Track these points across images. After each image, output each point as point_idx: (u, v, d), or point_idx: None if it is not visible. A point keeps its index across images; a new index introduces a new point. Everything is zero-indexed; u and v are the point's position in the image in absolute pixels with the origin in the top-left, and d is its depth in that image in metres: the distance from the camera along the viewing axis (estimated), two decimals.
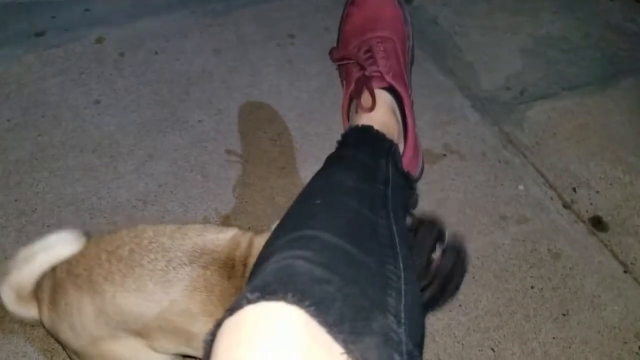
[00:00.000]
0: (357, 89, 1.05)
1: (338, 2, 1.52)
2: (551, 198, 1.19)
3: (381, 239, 0.68)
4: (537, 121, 1.35)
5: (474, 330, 0.99)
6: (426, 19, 1.64)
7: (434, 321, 1.00)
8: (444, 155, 1.27)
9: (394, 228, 0.72)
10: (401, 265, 0.65)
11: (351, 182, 0.78)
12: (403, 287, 0.61)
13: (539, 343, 0.97)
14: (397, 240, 0.70)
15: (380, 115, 1.01)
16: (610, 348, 0.98)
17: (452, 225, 1.13)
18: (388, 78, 1.06)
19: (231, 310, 0.47)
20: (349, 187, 0.77)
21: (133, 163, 1.23)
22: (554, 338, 0.98)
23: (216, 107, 1.35)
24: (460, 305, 1.01)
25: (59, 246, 0.75)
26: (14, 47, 1.47)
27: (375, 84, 1.03)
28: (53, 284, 0.74)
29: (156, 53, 1.48)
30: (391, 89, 1.06)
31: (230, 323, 0.46)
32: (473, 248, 1.10)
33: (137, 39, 1.52)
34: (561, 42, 1.58)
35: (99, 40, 1.51)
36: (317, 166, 0.87)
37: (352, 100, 1.09)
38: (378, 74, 1.05)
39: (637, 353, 0.98)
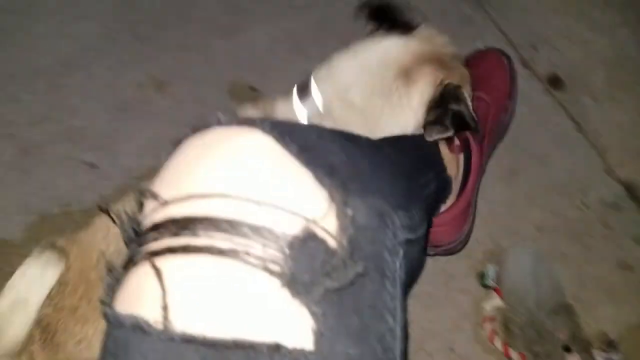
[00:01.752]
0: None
1: None
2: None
3: None
4: None
5: None
6: None
7: None
8: None
9: None
10: None
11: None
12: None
13: (485, 201, 0.99)
14: None
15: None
16: (554, 204, 1.01)
17: None
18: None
19: (195, 130, 0.40)
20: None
21: (54, 24, 1.14)
22: (500, 195, 1.00)
23: None
24: None
25: (47, 271, 0.61)
26: None
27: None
28: (41, 328, 0.60)
29: None
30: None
31: (191, 139, 0.40)
32: None
33: None
34: None
35: None
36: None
37: None
38: None
39: (579, 208, 1.01)
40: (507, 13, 1.21)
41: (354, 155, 0.48)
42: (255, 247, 0.34)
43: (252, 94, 1.09)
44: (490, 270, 0.93)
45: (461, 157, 0.95)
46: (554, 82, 1.14)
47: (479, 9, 1.21)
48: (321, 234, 0.36)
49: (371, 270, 0.39)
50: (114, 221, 0.59)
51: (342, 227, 0.37)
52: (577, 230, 0.98)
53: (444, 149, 0.87)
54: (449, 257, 0.94)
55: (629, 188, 1.03)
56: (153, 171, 0.39)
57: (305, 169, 0.38)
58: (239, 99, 1.07)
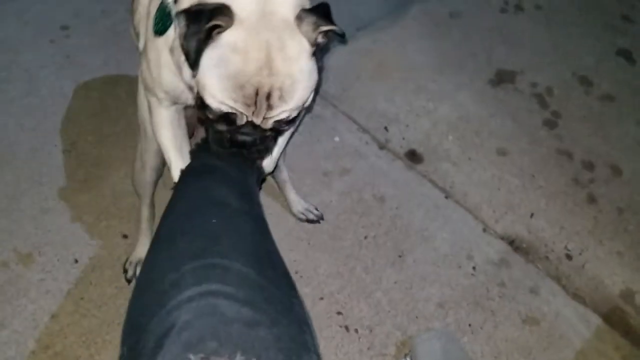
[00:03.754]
0: None
1: None
2: (366, 142, 1.19)
3: (279, 267, 0.66)
4: (339, 67, 1.34)
5: (319, 299, 0.97)
6: None
7: None
8: None
9: (280, 255, 0.70)
10: (300, 295, 0.64)
11: (235, 201, 0.72)
12: (308, 320, 0.60)
13: (383, 292, 0.97)
14: (287, 270, 0.67)
15: None
16: (447, 277, 1.01)
17: (279, 195, 1.08)
18: None
19: None
20: (237, 208, 0.71)
21: None
22: (395, 282, 0.99)
23: None
24: (302, 277, 0.98)
25: None
26: None
27: None
28: None
29: None
30: None
31: None
32: None
33: None
34: None
35: None
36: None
37: None
38: None
39: (472, 274, 1.02)
40: (354, 103, 1.26)
41: (260, 305, 0.54)
42: None
43: None
44: None
45: None
46: (412, 156, 1.18)
47: (327, 105, 1.25)
48: None
49: None
50: None
51: None
52: (475, 297, 0.98)
53: None
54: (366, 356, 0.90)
55: (510, 242, 1.06)
56: None
57: None
58: None
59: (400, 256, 1.03)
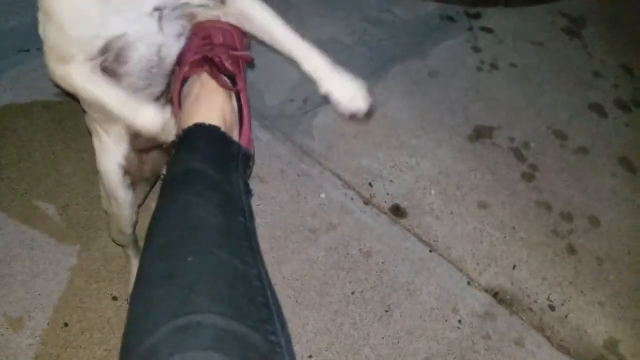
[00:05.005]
0: (196, 70, 0.97)
1: None
2: (352, 198, 1.22)
3: (258, 298, 0.65)
4: (324, 127, 1.38)
5: (308, 357, 0.98)
6: None
7: None
8: None
9: (262, 273, 0.70)
10: (278, 327, 0.64)
11: (212, 218, 0.72)
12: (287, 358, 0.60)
13: (371, 348, 0.98)
14: (268, 292, 0.67)
15: (221, 104, 0.94)
16: (434, 331, 1.02)
17: (267, 252, 1.10)
18: (228, 65, 0.99)
19: None
20: (213, 227, 0.70)
21: None
22: (382, 338, 1.00)
23: None
24: (290, 335, 0.99)
25: None
26: None
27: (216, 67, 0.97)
28: None
29: None
30: (230, 78, 1.00)
31: None
32: (291, 271, 1.09)
33: None
34: (332, 44, 1.63)
35: None
36: None
37: (186, 81, 1.01)
38: (218, 59, 0.98)
39: (458, 328, 1.04)
40: (339, 160, 1.30)
41: None
42: None
43: None
44: None
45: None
46: (397, 211, 1.21)
47: (314, 163, 1.29)
48: None
49: None
50: None
51: None
52: (462, 351, 1.00)
53: (210, 109, 0.91)
54: None
55: (495, 294, 1.08)
56: None
57: None
58: None
59: (387, 311, 1.05)
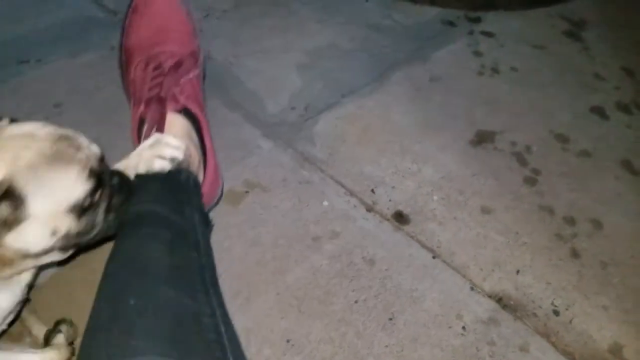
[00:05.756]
0: (150, 113, 0.97)
1: (106, 58, 1.44)
2: (354, 206, 1.23)
3: (209, 335, 0.65)
4: (325, 133, 1.39)
5: None
6: None
7: None
8: (247, 192, 1.25)
9: (215, 309, 0.70)
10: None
11: (162, 256, 0.72)
12: None
13: (374, 357, 0.98)
14: (222, 328, 0.67)
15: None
16: (438, 338, 1.02)
17: (269, 261, 1.10)
18: (182, 99, 0.99)
19: None
20: (163, 267, 0.71)
21: None
22: (386, 346, 1.00)
23: None
24: (293, 345, 0.99)
25: None
26: None
27: (169, 106, 0.97)
28: None
29: None
30: (186, 112, 1.00)
31: None
32: (294, 279, 1.09)
33: None
34: (331, 50, 1.64)
35: None
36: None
37: (143, 121, 1.01)
38: (171, 95, 0.98)
39: (462, 334, 1.03)
40: (341, 167, 1.30)
41: None
42: None
43: None
44: None
45: (191, 128, 0.97)
46: (399, 218, 1.21)
47: (316, 170, 1.29)
48: None
49: None
50: None
51: None
52: (466, 357, 1.00)
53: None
54: None
55: (498, 300, 1.08)
56: None
57: None
58: None
59: (390, 319, 1.05)
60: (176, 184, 0.89)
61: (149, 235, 0.77)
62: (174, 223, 0.80)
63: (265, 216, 1.21)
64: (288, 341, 0.98)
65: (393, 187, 1.28)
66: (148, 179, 0.88)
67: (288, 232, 1.18)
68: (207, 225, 0.96)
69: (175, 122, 0.98)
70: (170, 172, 0.89)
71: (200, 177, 1.02)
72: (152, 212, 0.81)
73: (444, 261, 1.15)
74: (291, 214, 1.22)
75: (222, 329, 0.69)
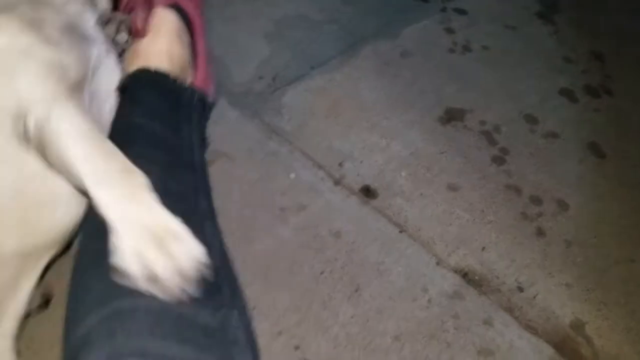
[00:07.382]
0: (131, 7, 0.90)
1: None
2: (322, 179, 1.20)
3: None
4: (294, 105, 1.35)
5: (277, 333, 0.95)
6: None
7: None
8: (213, 161, 1.21)
9: (209, 238, 0.66)
10: (228, 299, 0.61)
11: (157, 183, 0.65)
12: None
13: (340, 326, 0.97)
14: (217, 261, 0.63)
15: (166, 44, 0.88)
16: (403, 310, 1.02)
17: (234, 230, 1.07)
18: None
19: None
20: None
21: None
22: (352, 317, 0.99)
23: None
24: (259, 312, 0.97)
25: None
26: None
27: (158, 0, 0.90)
28: None
29: None
30: (179, 9, 0.94)
31: None
32: (260, 249, 1.06)
33: None
34: (300, 20, 1.60)
35: None
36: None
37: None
38: None
39: (427, 307, 1.03)
40: (309, 140, 1.27)
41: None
42: None
43: None
44: None
45: (182, 26, 0.93)
46: (367, 192, 1.19)
47: (284, 142, 1.26)
48: None
49: None
50: None
51: None
52: (431, 330, 0.99)
53: (152, 53, 0.86)
54: None
55: (463, 275, 1.08)
56: None
57: None
58: None
59: (356, 290, 1.03)
60: (176, 98, 0.83)
61: (140, 155, 0.69)
62: (169, 143, 0.74)
63: (231, 186, 1.18)
64: (254, 308, 0.96)
65: (361, 162, 1.26)
66: (144, 87, 0.81)
67: (254, 203, 1.15)
68: (205, 146, 0.91)
69: (164, 17, 0.91)
70: (171, 83, 0.83)
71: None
72: (146, 127, 0.74)
73: (411, 236, 1.13)
74: (257, 184, 1.18)
75: (219, 264, 0.66)
